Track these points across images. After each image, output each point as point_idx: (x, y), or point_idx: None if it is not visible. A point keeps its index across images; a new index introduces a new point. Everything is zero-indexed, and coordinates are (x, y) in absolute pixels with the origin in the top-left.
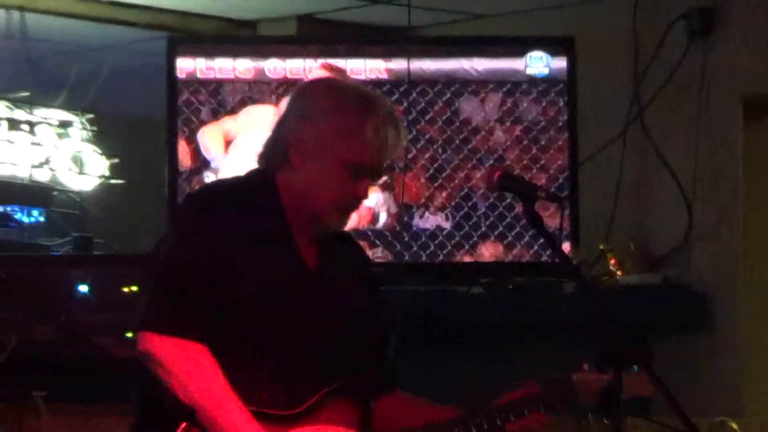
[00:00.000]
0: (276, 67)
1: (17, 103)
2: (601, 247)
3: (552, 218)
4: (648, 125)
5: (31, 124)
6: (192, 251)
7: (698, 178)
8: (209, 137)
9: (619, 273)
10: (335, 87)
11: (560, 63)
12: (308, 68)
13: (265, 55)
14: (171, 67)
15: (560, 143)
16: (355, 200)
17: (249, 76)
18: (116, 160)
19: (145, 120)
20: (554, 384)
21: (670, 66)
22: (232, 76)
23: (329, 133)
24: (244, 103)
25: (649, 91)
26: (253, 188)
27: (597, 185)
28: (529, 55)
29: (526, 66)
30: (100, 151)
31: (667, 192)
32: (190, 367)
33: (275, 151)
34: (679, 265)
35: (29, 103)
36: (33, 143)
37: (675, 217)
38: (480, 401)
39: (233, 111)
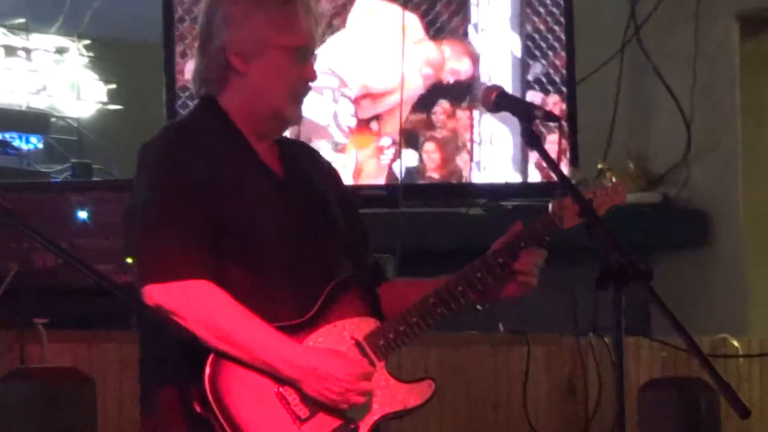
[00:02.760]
0: None
1: (13, 29)
2: (600, 166)
3: None
4: (645, 43)
5: (28, 51)
6: (167, 190)
7: (696, 96)
8: None
9: None
10: None
11: None
12: None
13: None
14: None
15: (557, 62)
16: (305, 85)
17: None
18: (114, 86)
19: (142, 44)
20: (536, 217)
21: None
22: None
23: (263, 26)
24: None
25: (646, 9)
26: (203, 116)
27: (595, 104)
28: None
29: None
30: (97, 77)
31: (665, 110)
32: (201, 306)
33: (213, 68)
34: (678, 183)
35: (25, 30)
36: (30, 70)
37: (673, 135)
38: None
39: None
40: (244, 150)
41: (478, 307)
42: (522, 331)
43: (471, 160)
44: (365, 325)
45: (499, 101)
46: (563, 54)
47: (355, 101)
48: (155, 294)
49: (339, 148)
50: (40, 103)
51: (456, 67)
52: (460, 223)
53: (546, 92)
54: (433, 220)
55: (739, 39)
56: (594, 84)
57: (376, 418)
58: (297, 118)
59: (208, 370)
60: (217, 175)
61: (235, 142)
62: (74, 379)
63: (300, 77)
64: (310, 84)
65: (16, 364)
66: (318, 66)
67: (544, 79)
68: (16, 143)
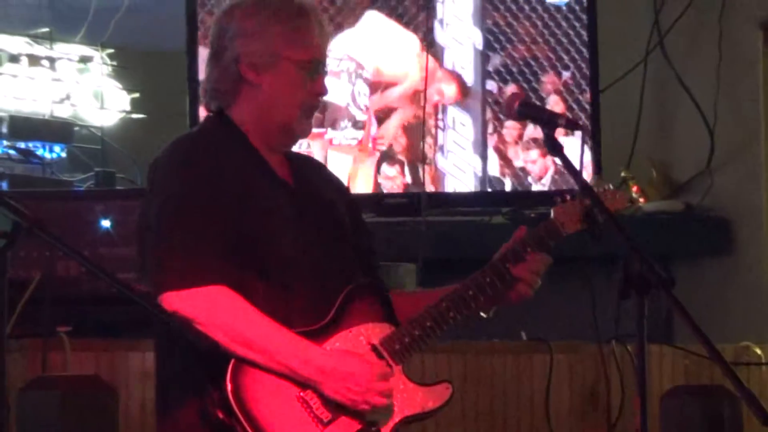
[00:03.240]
0: None
1: (37, 39)
2: (623, 174)
3: None
4: (669, 52)
5: (52, 60)
6: (180, 198)
7: (719, 104)
8: None
9: (641, 200)
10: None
11: None
12: None
13: None
14: None
15: (515, 54)
16: (317, 99)
17: None
18: (137, 95)
19: (166, 53)
20: (539, 222)
21: None
22: None
23: (277, 40)
24: None
25: (670, 18)
26: (214, 128)
27: (618, 112)
28: None
29: None
30: (120, 86)
31: (688, 118)
32: (219, 312)
33: (226, 80)
34: (701, 191)
35: (49, 39)
36: (53, 79)
37: (697, 144)
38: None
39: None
40: (255, 160)
41: (482, 314)
42: (544, 338)
43: (435, 144)
44: (380, 330)
45: (521, 110)
46: (521, 47)
47: (370, 86)
48: (172, 301)
49: (359, 125)
50: (63, 112)
51: (443, 89)
52: (482, 232)
53: (504, 82)
54: (456, 228)
55: (763, 47)
56: (618, 92)
57: (396, 420)
58: (307, 132)
59: (229, 377)
60: (229, 184)
61: (246, 153)
62: (97, 388)
63: (311, 91)
64: (321, 99)
65: (39, 372)
66: (335, 52)
67: (502, 69)
68: (40, 152)
